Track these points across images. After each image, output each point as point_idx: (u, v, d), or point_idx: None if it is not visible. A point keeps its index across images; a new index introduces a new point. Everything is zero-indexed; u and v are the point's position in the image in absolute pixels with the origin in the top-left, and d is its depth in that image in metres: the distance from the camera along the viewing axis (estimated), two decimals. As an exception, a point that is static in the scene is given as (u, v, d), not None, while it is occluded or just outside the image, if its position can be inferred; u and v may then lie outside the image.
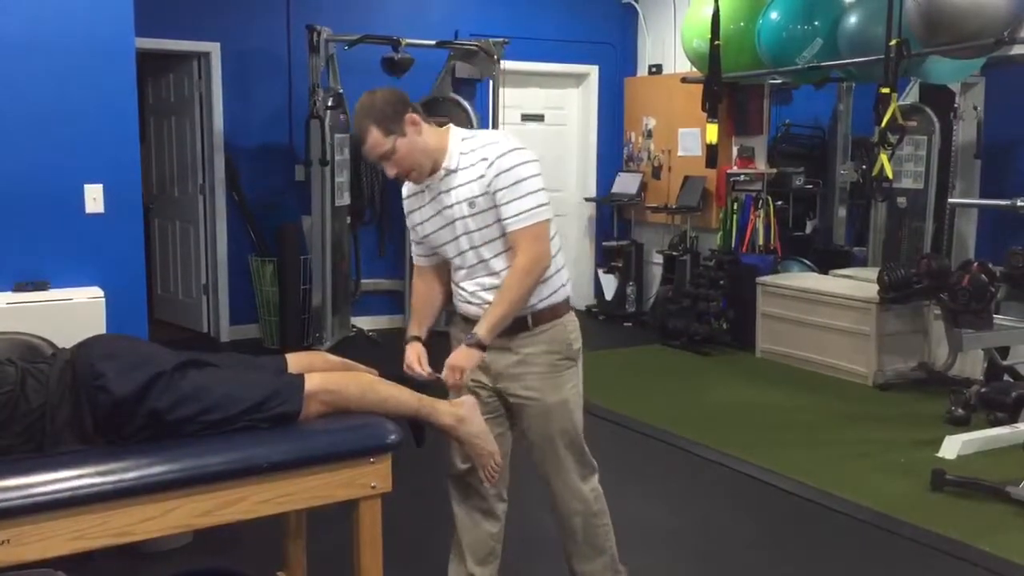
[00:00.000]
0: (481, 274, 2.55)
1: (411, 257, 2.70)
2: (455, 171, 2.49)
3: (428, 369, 2.56)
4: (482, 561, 2.73)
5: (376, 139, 2.44)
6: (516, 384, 2.62)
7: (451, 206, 2.52)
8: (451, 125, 2.57)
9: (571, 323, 2.67)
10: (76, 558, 2.05)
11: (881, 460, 4.54)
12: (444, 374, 2.46)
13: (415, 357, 2.58)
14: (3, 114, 3.49)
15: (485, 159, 2.44)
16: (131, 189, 3.77)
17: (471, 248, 2.54)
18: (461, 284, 2.62)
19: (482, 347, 2.45)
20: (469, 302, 2.60)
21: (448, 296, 2.73)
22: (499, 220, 2.47)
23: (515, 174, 2.42)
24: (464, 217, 2.50)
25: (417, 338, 2.64)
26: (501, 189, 2.42)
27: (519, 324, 2.57)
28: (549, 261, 2.50)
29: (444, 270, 2.71)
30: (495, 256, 2.52)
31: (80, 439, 2.09)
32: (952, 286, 5.15)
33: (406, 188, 2.65)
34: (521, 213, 2.43)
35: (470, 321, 2.59)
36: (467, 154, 2.48)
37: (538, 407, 2.63)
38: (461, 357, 2.45)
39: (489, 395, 2.66)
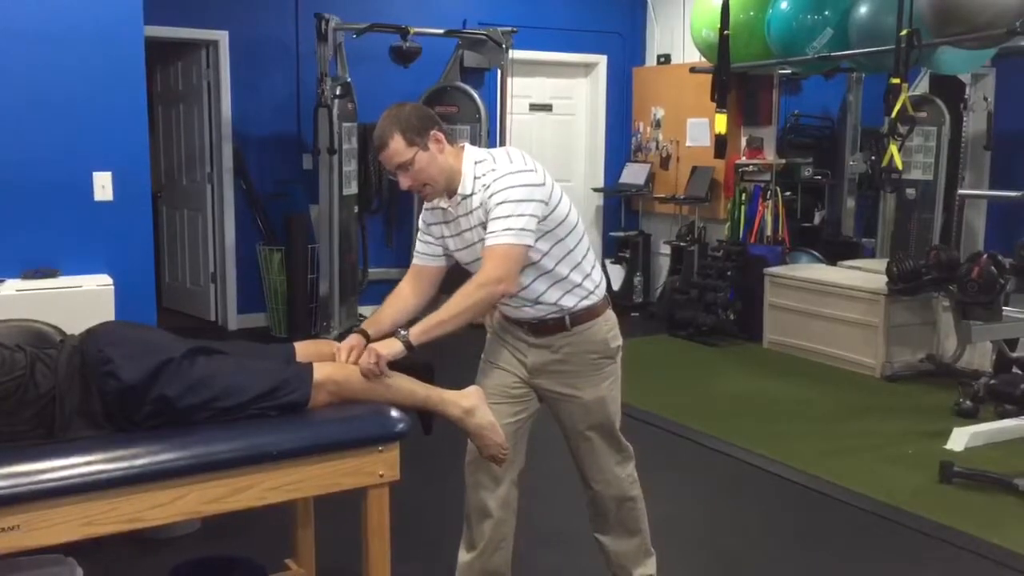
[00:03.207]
0: None
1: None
2: (469, 196, 2.49)
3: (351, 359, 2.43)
4: (496, 547, 2.73)
5: (398, 147, 2.42)
6: (554, 381, 2.63)
7: (469, 230, 2.53)
8: (466, 146, 2.54)
9: (609, 321, 2.66)
10: (86, 544, 2.07)
11: (889, 452, 4.53)
12: (365, 355, 2.36)
13: (347, 345, 2.46)
14: (12, 102, 3.50)
15: (487, 186, 2.45)
16: (140, 177, 3.77)
17: None
18: None
19: (409, 346, 2.37)
20: (503, 303, 2.61)
21: (420, 307, 2.67)
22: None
23: (503, 195, 2.41)
24: (483, 240, 2.49)
25: (362, 332, 2.52)
26: (490, 209, 2.43)
27: (557, 324, 2.58)
28: (510, 287, 2.44)
29: (438, 279, 2.68)
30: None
31: (90, 425, 2.10)
32: (961, 278, 5.13)
33: (426, 202, 2.64)
34: (496, 231, 2.40)
35: (506, 318, 2.64)
36: (479, 178, 2.48)
37: (576, 403, 2.64)
38: (385, 345, 2.37)
39: (518, 383, 2.66)
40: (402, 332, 2.40)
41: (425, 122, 2.46)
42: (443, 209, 2.57)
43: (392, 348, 2.36)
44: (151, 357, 2.12)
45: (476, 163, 2.50)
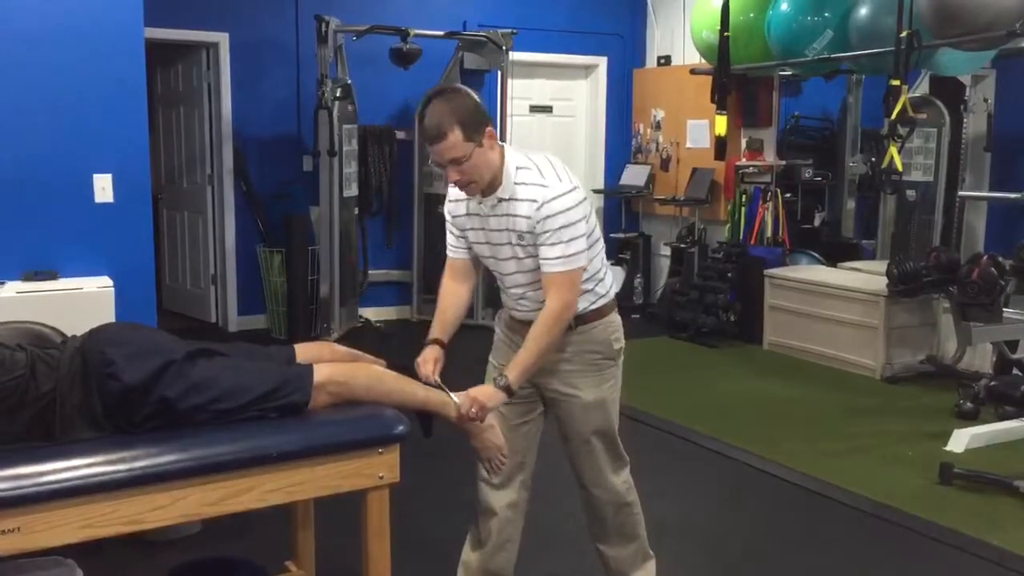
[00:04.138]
0: (526, 285, 2.57)
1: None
2: (507, 201, 2.47)
3: (436, 378, 2.53)
4: (499, 547, 2.74)
5: (456, 141, 2.36)
6: (555, 380, 2.63)
7: (499, 231, 2.52)
8: (506, 147, 2.51)
9: (614, 323, 2.67)
10: (86, 546, 2.07)
11: (889, 453, 4.53)
12: (462, 400, 2.43)
13: (432, 359, 2.56)
14: (13, 104, 3.50)
15: (534, 201, 2.42)
16: (140, 179, 3.78)
17: (519, 272, 2.55)
18: (508, 289, 2.64)
19: (510, 392, 2.45)
20: (515, 308, 2.64)
21: (472, 296, 2.75)
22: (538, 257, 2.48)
23: (560, 219, 2.41)
24: (512, 244, 2.51)
25: (438, 341, 2.61)
26: (545, 232, 2.42)
27: None
28: (576, 308, 2.51)
29: (476, 267, 2.71)
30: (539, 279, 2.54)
31: (91, 426, 2.10)
32: (961, 279, 5.13)
33: (452, 192, 2.61)
34: (560, 258, 2.42)
35: (516, 320, 2.63)
36: (520, 186, 2.45)
37: (576, 404, 2.64)
38: (487, 395, 2.44)
39: (525, 384, 2.65)
40: (500, 380, 2.44)
41: (482, 116, 2.43)
42: (467, 201, 2.56)
43: (495, 399, 2.44)
44: (152, 359, 2.13)
45: (518, 168, 2.47)
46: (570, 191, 2.44)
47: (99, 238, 3.68)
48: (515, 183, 2.45)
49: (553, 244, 2.42)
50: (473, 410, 2.40)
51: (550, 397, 2.67)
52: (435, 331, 2.63)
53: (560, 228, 2.41)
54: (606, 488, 2.73)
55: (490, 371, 2.74)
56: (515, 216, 2.46)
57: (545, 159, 2.52)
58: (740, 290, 6.84)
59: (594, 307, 2.60)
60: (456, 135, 2.35)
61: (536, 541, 3.26)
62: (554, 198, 2.41)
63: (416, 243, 7.40)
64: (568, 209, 2.41)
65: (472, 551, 2.78)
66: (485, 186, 2.47)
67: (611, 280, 2.67)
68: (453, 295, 2.69)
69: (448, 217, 2.67)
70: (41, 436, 2.07)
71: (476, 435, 2.49)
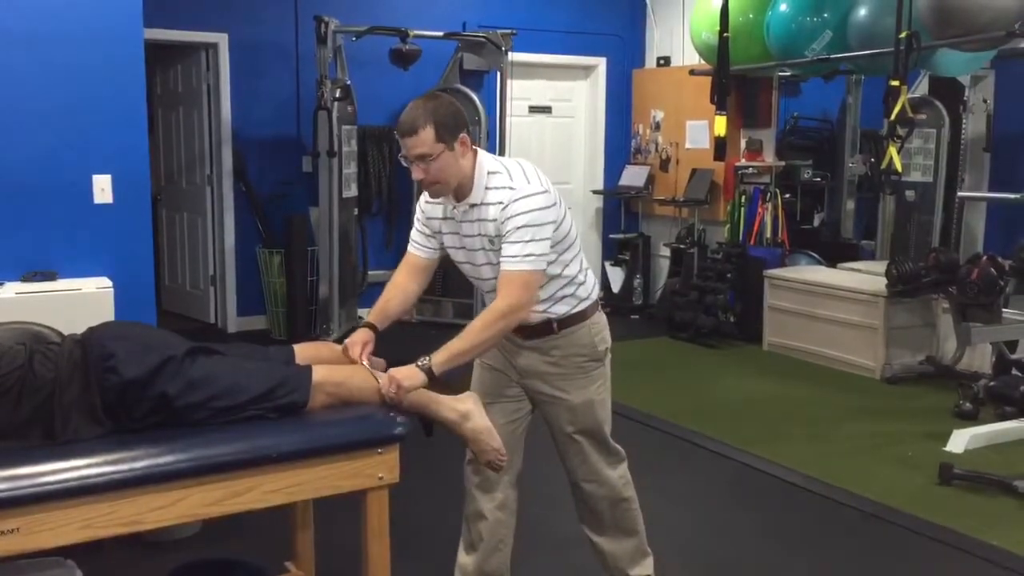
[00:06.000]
0: None
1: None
2: (478, 206, 2.47)
3: (364, 361, 2.47)
4: (493, 549, 2.74)
5: (426, 138, 2.37)
6: (542, 383, 2.64)
7: (472, 237, 2.52)
8: (479, 152, 2.51)
9: (597, 324, 2.66)
10: (86, 547, 2.07)
11: (888, 454, 4.53)
12: (383, 381, 2.35)
13: (361, 341, 2.50)
14: (12, 105, 3.50)
15: (501, 203, 2.42)
16: (139, 180, 3.77)
17: (494, 277, 2.54)
18: (487, 293, 2.64)
19: (431, 375, 2.37)
20: None
21: (418, 297, 2.72)
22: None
23: (523, 219, 2.40)
24: (485, 250, 2.51)
25: (371, 326, 2.56)
26: (508, 231, 2.41)
27: (545, 328, 2.58)
28: (527, 313, 2.47)
29: (433, 269, 2.70)
30: None
31: (89, 420, 2.09)
32: (961, 280, 5.13)
33: (426, 194, 2.61)
34: (515, 256, 2.40)
35: None
36: (491, 190, 2.45)
37: (563, 406, 2.65)
38: (406, 375, 2.35)
39: (511, 384, 2.68)
40: (423, 361, 2.37)
41: (459, 121, 2.43)
42: (443, 205, 2.56)
43: (414, 379, 2.35)
44: (153, 354, 2.13)
45: (489, 173, 2.47)
46: (538, 193, 2.43)
47: (98, 239, 3.68)
48: (486, 188, 2.46)
49: (513, 242, 2.40)
50: (392, 390, 2.32)
51: (539, 400, 2.68)
52: (371, 316, 2.61)
53: (522, 227, 2.39)
54: (601, 483, 2.73)
55: (477, 371, 2.74)
56: (485, 221, 2.46)
57: (516, 163, 2.52)
58: (740, 291, 6.84)
59: (576, 311, 2.60)
60: (428, 132, 2.37)
61: (533, 541, 3.26)
62: (520, 198, 2.41)
63: (415, 244, 7.39)
64: (533, 210, 2.40)
65: (466, 554, 2.79)
66: (450, 191, 2.47)
67: (593, 282, 2.67)
68: (401, 289, 2.67)
69: (421, 216, 2.65)
70: (41, 431, 2.07)
71: (473, 439, 2.48)
